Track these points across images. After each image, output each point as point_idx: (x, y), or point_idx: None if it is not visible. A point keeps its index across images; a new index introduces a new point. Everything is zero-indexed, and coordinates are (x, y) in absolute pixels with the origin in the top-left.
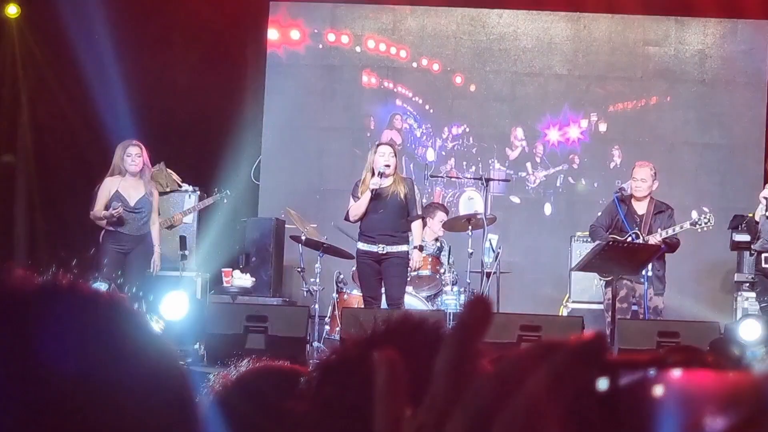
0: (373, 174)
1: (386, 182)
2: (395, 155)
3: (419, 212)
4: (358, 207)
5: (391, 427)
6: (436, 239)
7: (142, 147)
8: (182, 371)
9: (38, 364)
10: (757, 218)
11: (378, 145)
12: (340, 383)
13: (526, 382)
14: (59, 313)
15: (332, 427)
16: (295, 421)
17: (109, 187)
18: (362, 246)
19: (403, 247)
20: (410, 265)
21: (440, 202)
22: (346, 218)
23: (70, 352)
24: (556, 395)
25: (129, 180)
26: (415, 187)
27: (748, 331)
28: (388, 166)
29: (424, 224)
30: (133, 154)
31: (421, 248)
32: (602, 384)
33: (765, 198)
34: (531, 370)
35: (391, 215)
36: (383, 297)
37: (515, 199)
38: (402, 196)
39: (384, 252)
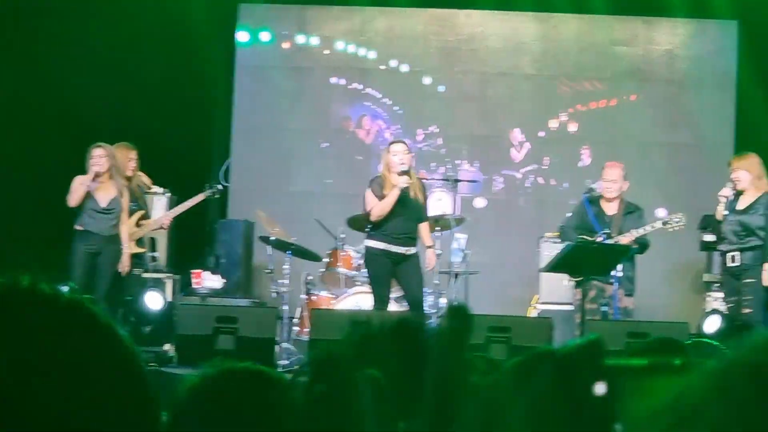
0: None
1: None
2: (409, 152)
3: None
4: (384, 205)
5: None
6: None
7: (106, 148)
8: (144, 373)
9: None
10: (718, 217)
11: (390, 144)
12: (334, 380)
13: (527, 388)
14: (17, 313)
15: (324, 423)
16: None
17: (82, 182)
18: (382, 245)
19: (417, 248)
20: (429, 265)
21: None
22: (367, 217)
23: (27, 352)
24: (554, 402)
25: (96, 180)
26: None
27: (710, 325)
28: (404, 164)
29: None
30: (95, 156)
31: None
32: (600, 389)
33: (723, 197)
34: (531, 377)
35: (413, 216)
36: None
37: (481, 202)
38: (421, 197)
39: (409, 253)
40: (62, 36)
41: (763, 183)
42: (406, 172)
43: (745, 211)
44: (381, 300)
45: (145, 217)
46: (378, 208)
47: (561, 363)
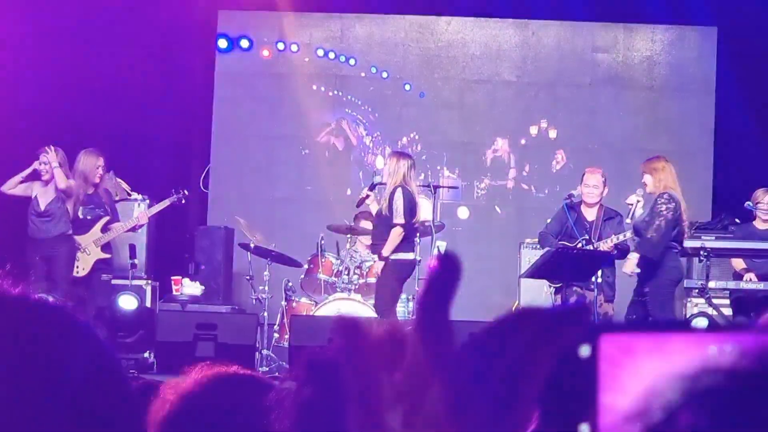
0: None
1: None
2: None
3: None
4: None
5: (372, 394)
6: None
7: (57, 153)
8: (127, 380)
9: None
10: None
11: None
12: (323, 385)
13: (507, 347)
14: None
15: (311, 427)
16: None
17: (32, 185)
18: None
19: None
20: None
21: (368, 211)
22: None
23: (12, 358)
24: (536, 360)
25: (42, 184)
26: (398, 192)
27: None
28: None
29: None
30: (44, 162)
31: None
32: (584, 350)
33: (629, 204)
34: (511, 335)
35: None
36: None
37: (463, 211)
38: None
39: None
40: (40, 40)
41: (665, 185)
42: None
43: (640, 216)
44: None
45: (111, 222)
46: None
47: (545, 322)
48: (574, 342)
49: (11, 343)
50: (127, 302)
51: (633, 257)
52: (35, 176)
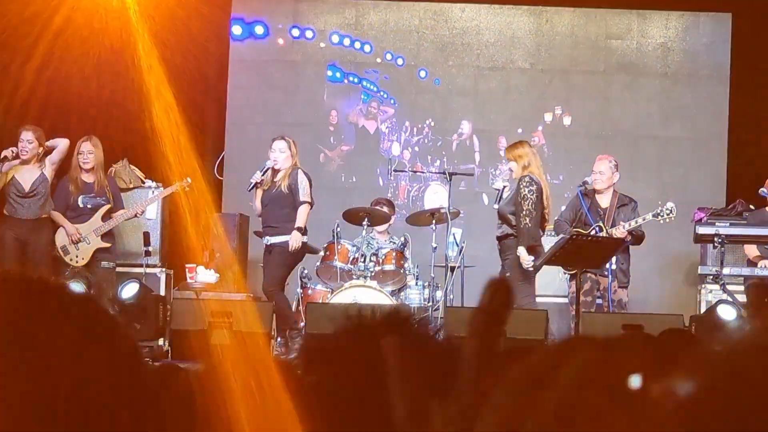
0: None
1: (277, 177)
2: (283, 151)
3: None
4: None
5: (416, 416)
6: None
7: (35, 131)
8: (146, 368)
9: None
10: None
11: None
12: (328, 369)
13: (558, 378)
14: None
15: (316, 414)
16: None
17: (7, 171)
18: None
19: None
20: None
21: (386, 197)
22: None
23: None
24: (587, 390)
25: (24, 165)
26: (300, 174)
27: (726, 312)
28: (275, 162)
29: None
30: (24, 141)
31: (300, 229)
32: (635, 381)
33: (495, 189)
34: (561, 366)
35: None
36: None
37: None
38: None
39: (269, 243)
40: (50, 20)
41: (529, 170)
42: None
43: (504, 199)
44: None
45: (114, 210)
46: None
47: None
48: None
49: (42, 329)
50: (127, 290)
51: (521, 251)
52: None
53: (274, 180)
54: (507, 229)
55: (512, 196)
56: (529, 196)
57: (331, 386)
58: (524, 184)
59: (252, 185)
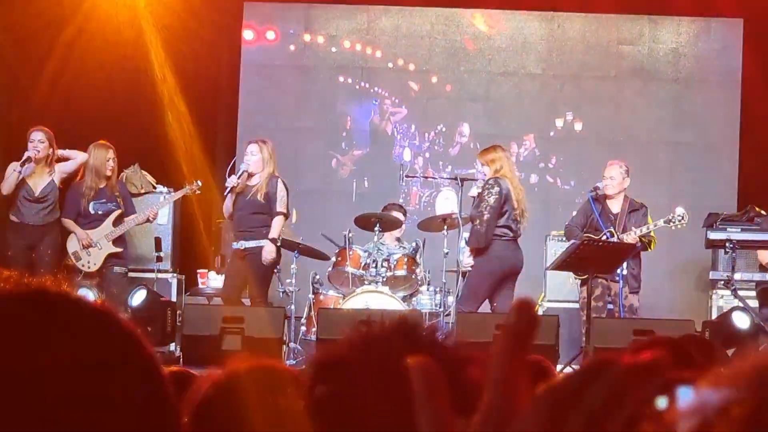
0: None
1: (253, 181)
2: (255, 154)
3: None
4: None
5: None
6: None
7: (46, 132)
8: (164, 376)
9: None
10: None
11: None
12: (335, 383)
13: (583, 400)
14: (38, 314)
15: (325, 426)
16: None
17: (16, 168)
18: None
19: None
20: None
21: (397, 202)
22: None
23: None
24: (613, 414)
25: (32, 167)
26: (280, 184)
27: (741, 320)
28: (248, 164)
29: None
30: (35, 140)
31: (274, 240)
32: (661, 403)
33: (471, 196)
34: (587, 388)
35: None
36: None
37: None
38: (261, 194)
39: (243, 248)
40: (64, 29)
41: (500, 174)
42: (250, 174)
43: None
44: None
45: (125, 215)
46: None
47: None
48: (650, 395)
49: (59, 341)
50: (136, 298)
51: (466, 250)
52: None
53: (249, 184)
54: None
55: (477, 201)
56: (486, 198)
57: (341, 397)
58: (486, 186)
59: (228, 189)
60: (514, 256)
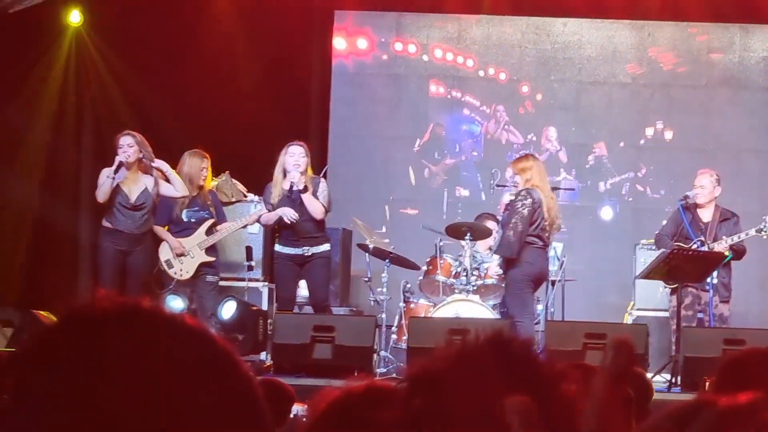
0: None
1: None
2: (306, 155)
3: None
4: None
5: None
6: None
7: (135, 136)
8: (256, 389)
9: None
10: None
11: (288, 145)
12: (430, 396)
13: None
14: (134, 335)
15: None
16: None
17: (109, 174)
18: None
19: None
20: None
21: (490, 213)
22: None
23: (141, 373)
24: None
25: (128, 173)
26: (322, 182)
27: None
28: (298, 165)
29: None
30: (124, 145)
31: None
32: None
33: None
34: (686, 429)
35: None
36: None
37: (607, 211)
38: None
39: (309, 254)
40: (165, 41)
41: (532, 183)
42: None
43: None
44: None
45: (217, 224)
46: (266, 218)
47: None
48: None
49: (152, 358)
50: (226, 310)
51: (495, 258)
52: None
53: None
54: None
55: (510, 210)
56: (520, 209)
57: (436, 411)
58: (519, 197)
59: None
60: (544, 264)
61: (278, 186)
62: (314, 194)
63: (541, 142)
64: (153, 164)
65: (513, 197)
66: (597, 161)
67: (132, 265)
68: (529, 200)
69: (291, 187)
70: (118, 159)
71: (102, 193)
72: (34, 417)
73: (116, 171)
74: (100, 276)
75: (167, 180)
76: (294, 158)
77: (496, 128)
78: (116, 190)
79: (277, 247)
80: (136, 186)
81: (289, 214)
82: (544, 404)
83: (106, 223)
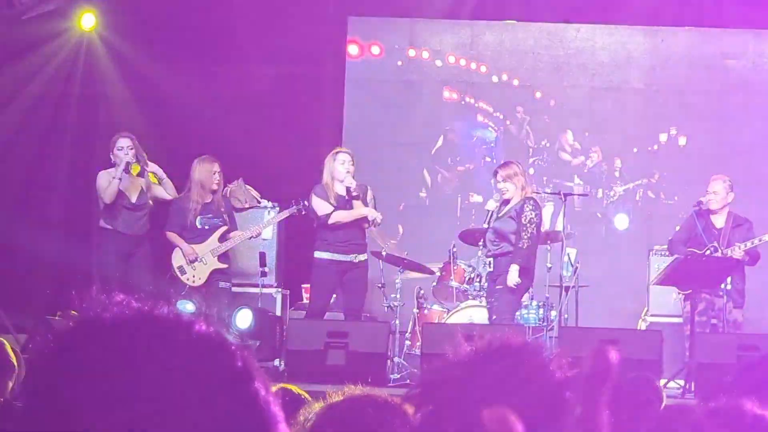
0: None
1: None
2: (353, 162)
3: None
4: (346, 215)
5: None
6: None
7: (132, 138)
8: (268, 401)
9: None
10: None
11: (337, 153)
12: (442, 402)
13: None
14: (150, 341)
15: None
16: None
17: (115, 176)
18: (328, 255)
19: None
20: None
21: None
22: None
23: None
24: None
25: (127, 175)
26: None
27: None
28: (349, 172)
29: None
30: (125, 146)
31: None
32: None
33: (488, 210)
34: None
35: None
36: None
37: (621, 219)
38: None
39: (357, 260)
40: (178, 48)
41: (527, 191)
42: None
43: (500, 218)
44: (317, 310)
45: (229, 231)
46: (339, 216)
47: None
48: None
49: (167, 363)
50: (242, 320)
51: (513, 269)
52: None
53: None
54: (507, 246)
55: (511, 215)
56: (535, 220)
57: (447, 416)
58: (530, 207)
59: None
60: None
61: (332, 191)
62: (363, 201)
63: (555, 148)
64: (147, 167)
65: (497, 204)
66: (610, 167)
67: (134, 269)
68: (538, 210)
69: (349, 191)
70: (125, 159)
71: (110, 195)
72: (47, 423)
73: (125, 171)
74: (103, 279)
75: (159, 183)
76: (345, 165)
77: (520, 129)
78: (117, 191)
79: (321, 254)
80: (134, 187)
81: (376, 217)
82: (550, 409)
83: (105, 225)
